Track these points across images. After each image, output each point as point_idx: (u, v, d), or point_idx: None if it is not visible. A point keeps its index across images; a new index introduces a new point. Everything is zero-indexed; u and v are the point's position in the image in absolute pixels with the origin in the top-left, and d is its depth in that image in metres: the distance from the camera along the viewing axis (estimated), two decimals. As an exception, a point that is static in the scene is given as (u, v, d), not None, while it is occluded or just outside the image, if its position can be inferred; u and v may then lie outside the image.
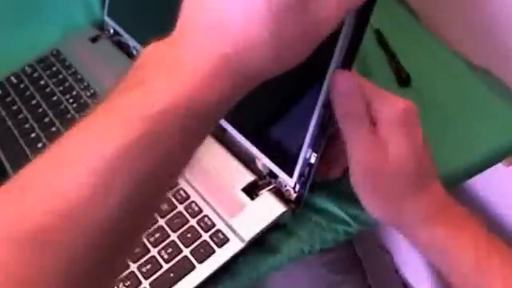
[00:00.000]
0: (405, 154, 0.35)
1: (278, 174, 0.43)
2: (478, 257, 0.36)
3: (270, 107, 0.44)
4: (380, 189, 0.37)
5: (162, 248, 0.43)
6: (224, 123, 0.48)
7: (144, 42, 0.57)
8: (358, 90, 0.35)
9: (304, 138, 0.39)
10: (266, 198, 0.44)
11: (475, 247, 0.36)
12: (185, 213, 0.45)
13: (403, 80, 0.54)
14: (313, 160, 0.40)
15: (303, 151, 0.40)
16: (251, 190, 0.45)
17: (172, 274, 0.41)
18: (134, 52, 0.62)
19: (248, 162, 0.47)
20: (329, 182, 0.44)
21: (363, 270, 0.89)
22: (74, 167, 0.24)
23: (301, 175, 0.41)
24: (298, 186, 0.42)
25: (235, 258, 0.42)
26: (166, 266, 0.42)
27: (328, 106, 0.37)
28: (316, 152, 0.39)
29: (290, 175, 0.42)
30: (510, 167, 0.55)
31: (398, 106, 0.36)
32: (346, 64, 0.35)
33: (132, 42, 0.61)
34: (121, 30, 0.63)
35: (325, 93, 0.37)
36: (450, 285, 0.39)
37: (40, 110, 0.57)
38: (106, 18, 0.66)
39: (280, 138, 0.43)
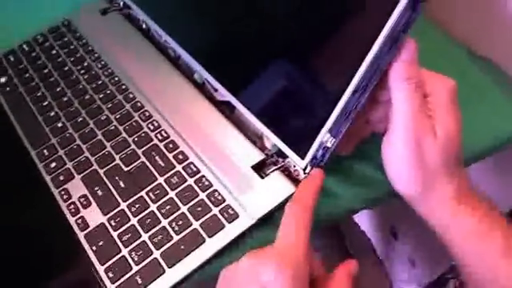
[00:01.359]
0: (453, 130, 0.37)
1: (288, 154, 0.45)
2: (506, 242, 0.38)
3: (290, 86, 0.45)
4: (419, 159, 0.38)
5: (173, 220, 0.44)
6: (234, 101, 0.50)
7: (153, 16, 0.59)
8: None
9: (325, 121, 0.40)
10: (275, 177, 0.45)
11: (502, 235, 0.38)
12: (195, 186, 0.46)
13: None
14: (329, 144, 0.41)
15: (321, 135, 0.41)
16: (260, 168, 0.46)
17: (182, 246, 0.43)
18: (144, 25, 0.62)
19: (256, 139, 0.49)
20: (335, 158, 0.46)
21: (341, 234, 0.92)
22: None
23: (313, 158, 0.42)
24: (308, 168, 0.43)
25: (243, 234, 0.44)
26: (176, 238, 0.43)
27: (359, 90, 0.38)
28: (335, 137, 0.40)
29: (302, 157, 0.43)
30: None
31: (450, 83, 0.38)
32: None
33: (142, 16, 0.62)
34: (131, 3, 0.63)
35: (359, 78, 0.38)
36: (463, 268, 0.40)
37: (52, 79, 0.58)
38: (117, -10, 0.66)
39: (296, 118, 0.44)
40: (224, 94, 0.51)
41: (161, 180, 0.47)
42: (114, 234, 0.44)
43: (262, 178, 0.46)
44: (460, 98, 0.49)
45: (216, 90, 0.52)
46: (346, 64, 0.39)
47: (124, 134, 0.51)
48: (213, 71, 0.52)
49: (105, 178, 0.48)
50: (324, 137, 0.41)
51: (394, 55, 0.37)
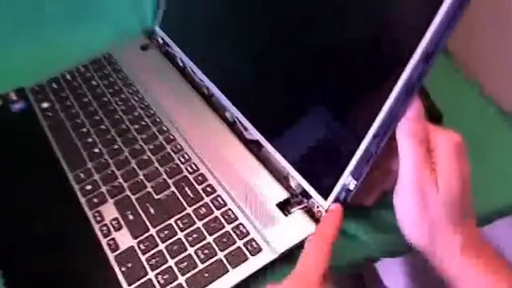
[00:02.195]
0: (455, 185, 0.39)
1: (312, 195, 0.47)
2: None
3: (316, 130, 0.48)
4: (425, 210, 0.40)
5: (199, 248, 0.46)
6: (263, 140, 0.52)
7: (190, 55, 0.62)
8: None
9: (347, 163, 0.43)
10: (298, 215, 0.48)
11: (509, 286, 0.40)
12: (221, 219, 0.48)
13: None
14: (351, 187, 0.43)
15: (344, 177, 0.44)
16: (284, 206, 0.49)
17: (206, 274, 0.45)
18: (180, 63, 0.66)
19: (281, 178, 0.51)
20: (358, 208, 0.48)
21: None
22: None
23: (336, 200, 0.45)
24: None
25: (265, 268, 0.46)
26: (201, 266, 0.45)
27: (378, 135, 0.41)
28: (356, 180, 0.43)
29: (325, 198, 0.46)
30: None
31: (455, 137, 0.40)
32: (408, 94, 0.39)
33: (179, 54, 0.66)
34: (170, 42, 0.68)
35: (378, 124, 0.41)
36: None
37: (91, 107, 0.61)
38: (157, 29, 0.70)
39: (321, 161, 0.47)
40: (253, 134, 0.54)
41: (189, 210, 0.50)
42: (143, 258, 0.46)
43: (286, 215, 0.48)
44: (484, 152, 0.51)
45: (246, 129, 0.55)
46: (366, 111, 0.42)
47: (156, 164, 0.54)
48: (244, 111, 0.56)
49: (136, 204, 0.51)
50: (346, 179, 0.44)
51: (409, 103, 0.40)
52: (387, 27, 0.42)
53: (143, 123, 0.59)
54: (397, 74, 0.39)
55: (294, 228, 0.47)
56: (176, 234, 0.48)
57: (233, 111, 0.57)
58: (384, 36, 0.42)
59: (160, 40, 0.70)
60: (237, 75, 0.59)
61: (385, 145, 0.41)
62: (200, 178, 0.52)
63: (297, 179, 0.49)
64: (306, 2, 0.48)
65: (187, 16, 0.67)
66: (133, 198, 0.51)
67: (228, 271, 0.45)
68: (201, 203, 0.50)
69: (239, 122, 0.57)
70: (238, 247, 0.46)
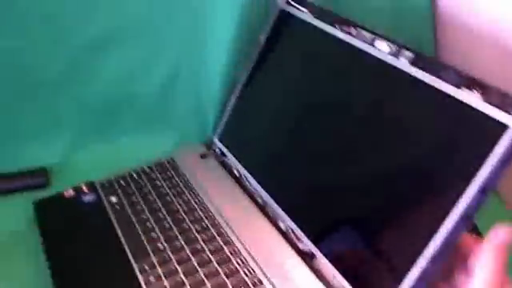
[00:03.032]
0: None
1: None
2: None
3: (370, 246, 0.52)
4: None
5: None
6: (317, 253, 0.57)
7: (247, 165, 0.68)
8: None
9: (401, 281, 0.47)
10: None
11: None
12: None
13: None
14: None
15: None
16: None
17: None
18: (236, 173, 0.72)
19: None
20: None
21: None
22: None
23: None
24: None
25: None
26: None
27: (434, 258, 0.45)
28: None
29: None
30: None
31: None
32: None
33: (235, 164, 0.72)
34: (226, 152, 0.74)
35: (436, 247, 0.45)
36: None
37: (155, 205, 0.67)
38: (215, 139, 0.78)
39: (375, 277, 0.51)
40: (306, 244, 0.59)
41: (246, 310, 0.53)
42: None
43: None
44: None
45: (299, 240, 0.60)
46: (423, 233, 0.46)
47: (215, 264, 0.58)
48: (298, 222, 0.61)
49: (196, 300, 0.54)
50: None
51: (464, 230, 0.44)
52: (450, 158, 0.47)
53: (203, 224, 0.64)
54: (455, 202, 0.45)
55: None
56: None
57: (287, 221, 0.62)
58: (446, 166, 0.48)
59: (218, 150, 0.77)
60: (291, 186, 0.64)
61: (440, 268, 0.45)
62: (255, 279, 0.56)
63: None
64: (369, 125, 0.55)
65: (244, 130, 0.75)
66: (193, 293, 0.55)
67: None
68: (257, 305, 0.54)
69: (293, 232, 0.61)
70: None
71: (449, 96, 0.49)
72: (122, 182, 0.71)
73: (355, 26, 0.60)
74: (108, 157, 0.74)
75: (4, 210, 0.67)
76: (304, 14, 0.68)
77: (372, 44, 0.58)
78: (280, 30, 0.71)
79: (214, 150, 0.78)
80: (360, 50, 0.59)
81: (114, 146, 0.76)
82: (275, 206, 0.64)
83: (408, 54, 0.54)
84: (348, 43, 0.60)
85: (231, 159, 0.74)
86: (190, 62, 0.77)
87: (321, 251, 0.57)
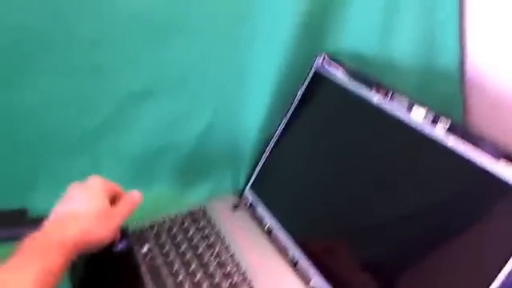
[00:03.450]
0: None
1: None
2: None
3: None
4: None
5: None
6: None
7: (279, 218, 0.68)
8: None
9: None
10: None
11: None
12: None
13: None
14: None
15: None
16: None
17: None
18: (268, 226, 0.72)
19: None
20: None
21: None
22: None
23: None
24: None
25: None
26: None
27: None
28: None
29: None
30: None
31: None
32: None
33: (267, 218, 0.72)
34: (258, 204, 0.75)
35: None
36: None
37: (186, 257, 0.67)
38: (247, 191, 0.78)
39: None
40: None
41: None
42: None
43: None
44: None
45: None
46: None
47: (244, 322, 0.58)
48: (330, 281, 0.60)
49: None
50: None
51: None
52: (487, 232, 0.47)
53: (233, 282, 0.64)
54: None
55: None
56: None
57: (319, 283, 0.61)
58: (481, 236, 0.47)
59: (249, 201, 0.77)
60: (324, 245, 0.64)
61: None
62: None
63: None
64: (400, 190, 0.56)
65: (276, 182, 0.76)
66: None
67: None
68: None
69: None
70: None
71: (484, 170, 0.49)
72: (154, 230, 0.72)
73: (391, 90, 0.61)
74: (143, 204, 0.75)
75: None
76: (339, 75, 0.69)
77: (409, 110, 0.58)
78: (314, 88, 0.73)
79: (246, 202, 0.78)
80: (395, 115, 0.59)
81: (149, 193, 0.77)
82: (307, 264, 0.64)
83: (444, 121, 0.54)
84: (383, 107, 0.61)
85: (263, 211, 0.74)
86: (225, 114, 0.78)
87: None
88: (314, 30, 0.72)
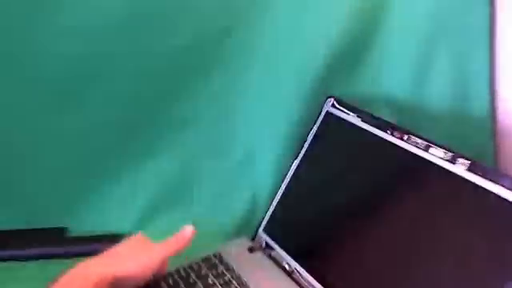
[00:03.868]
0: None
1: None
2: None
3: None
4: None
5: None
6: None
7: (297, 257, 0.65)
8: None
9: None
10: None
11: None
12: None
13: None
14: None
15: None
16: None
17: None
18: (286, 266, 0.69)
19: None
20: None
21: None
22: None
23: None
24: None
25: None
26: None
27: None
28: None
29: None
30: None
31: None
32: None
33: (284, 257, 0.69)
34: (274, 245, 0.71)
35: None
36: None
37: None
38: (260, 233, 0.74)
39: None
40: None
41: None
42: None
43: None
44: None
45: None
46: None
47: None
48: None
49: None
50: None
51: None
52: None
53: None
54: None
55: None
56: None
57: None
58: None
59: (264, 243, 0.73)
60: (345, 280, 0.61)
61: None
62: None
63: None
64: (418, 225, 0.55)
65: (291, 222, 0.73)
66: None
67: None
68: None
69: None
70: None
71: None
72: (169, 280, 0.67)
73: (408, 132, 0.61)
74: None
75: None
76: (351, 118, 0.69)
77: (426, 150, 0.58)
78: (325, 129, 0.73)
79: (261, 243, 0.74)
80: (413, 155, 0.59)
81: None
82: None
83: (464, 161, 0.54)
84: (400, 147, 0.61)
85: (279, 252, 0.71)
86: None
87: None
88: (346, 75, 0.75)
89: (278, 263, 0.70)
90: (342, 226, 0.66)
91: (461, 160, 0.54)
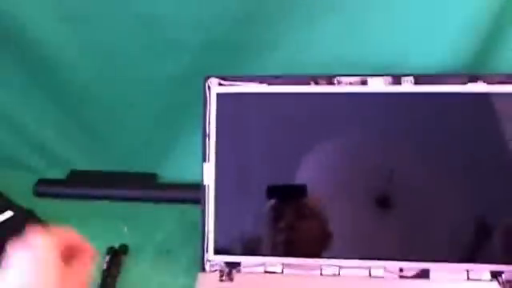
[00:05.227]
0: None
1: None
2: None
3: None
4: None
5: None
6: None
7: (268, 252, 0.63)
8: None
9: None
10: None
11: None
12: None
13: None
14: None
15: None
16: None
17: None
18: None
19: None
20: None
21: None
22: None
23: None
24: None
25: None
26: None
27: None
28: None
29: None
30: None
31: None
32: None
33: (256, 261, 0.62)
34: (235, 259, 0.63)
35: None
36: None
37: None
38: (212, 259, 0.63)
39: None
40: None
41: None
42: None
43: None
44: None
45: None
46: None
47: None
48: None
49: None
50: None
51: None
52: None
53: None
54: None
55: None
56: None
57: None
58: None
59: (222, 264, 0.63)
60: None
61: None
62: None
63: None
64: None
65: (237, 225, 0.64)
66: None
67: None
68: None
69: None
70: None
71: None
72: None
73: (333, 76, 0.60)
74: None
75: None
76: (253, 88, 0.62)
77: (365, 83, 0.59)
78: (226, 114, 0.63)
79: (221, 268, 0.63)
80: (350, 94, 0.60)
81: None
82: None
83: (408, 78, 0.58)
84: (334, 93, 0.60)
85: (246, 260, 0.62)
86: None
87: None
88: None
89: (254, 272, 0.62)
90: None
91: (405, 78, 0.58)
